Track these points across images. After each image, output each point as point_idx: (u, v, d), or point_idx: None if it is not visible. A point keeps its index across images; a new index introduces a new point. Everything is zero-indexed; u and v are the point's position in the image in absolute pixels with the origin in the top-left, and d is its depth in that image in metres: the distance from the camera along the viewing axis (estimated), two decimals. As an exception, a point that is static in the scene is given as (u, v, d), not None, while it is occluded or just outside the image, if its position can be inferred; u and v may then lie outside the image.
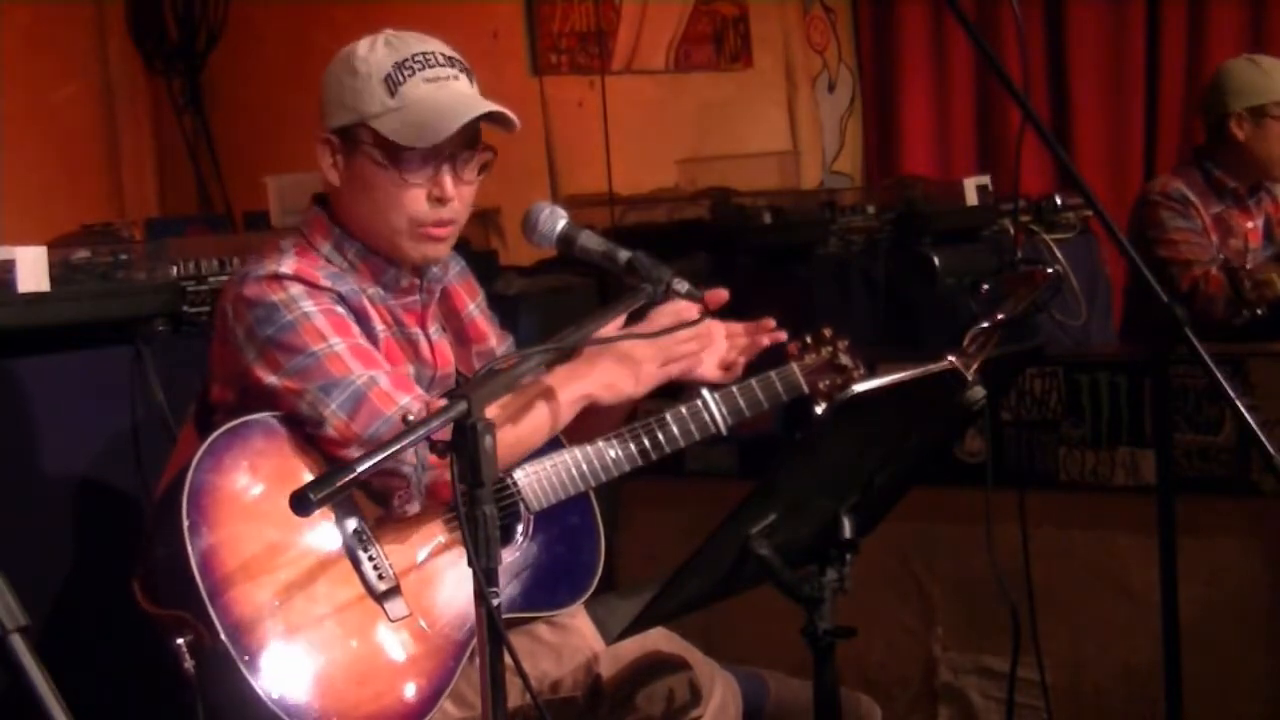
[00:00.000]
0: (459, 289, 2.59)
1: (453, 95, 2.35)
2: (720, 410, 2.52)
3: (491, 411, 2.16)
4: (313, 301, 2.31)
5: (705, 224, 4.86)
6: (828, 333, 2.64)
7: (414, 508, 2.29)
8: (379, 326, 2.39)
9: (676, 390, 2.55)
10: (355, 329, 2.34)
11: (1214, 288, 4.09)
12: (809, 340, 2.63)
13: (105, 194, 4.94)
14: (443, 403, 2.27)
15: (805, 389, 2.60)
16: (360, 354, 2.30)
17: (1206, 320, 4.04)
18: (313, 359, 2.27)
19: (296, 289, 2.31)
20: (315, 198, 2.48)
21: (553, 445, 2.46)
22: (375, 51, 2.35)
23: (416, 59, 2.35)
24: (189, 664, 2.17)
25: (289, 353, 2.28)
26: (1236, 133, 4.23)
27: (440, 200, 2.36)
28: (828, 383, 2.61)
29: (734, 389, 2.55)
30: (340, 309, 2.33)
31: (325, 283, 2.33)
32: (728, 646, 2.71)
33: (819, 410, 2.60)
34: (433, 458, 2.20)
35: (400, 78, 2.33)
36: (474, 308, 2.60)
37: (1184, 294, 4.10)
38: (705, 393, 2.52)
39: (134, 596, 2.28)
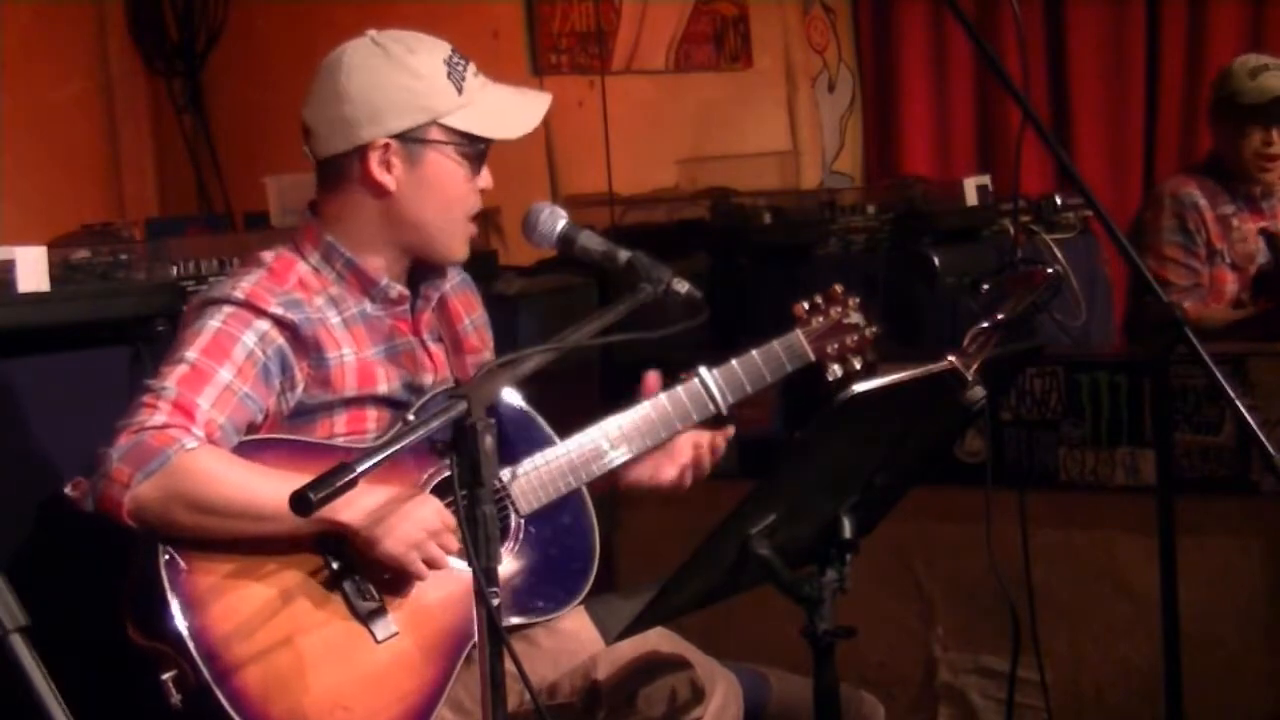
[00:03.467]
0: (457, 302, 2.57)
1: (507, 90, 2.43)
2: (719, 388, 2.46)
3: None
4: (224, 320, 2.30)
5: (705, 224, 4.86)
6: (839, 289, 2.58)
7: (84, 504, 2.24)
8: (334, 354, 2.34)
9: (672, 373, 2.50)
10: (240, 358, 2.29)
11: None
12: (818, 300, 2.55)
13: (105, 194, 4.93)
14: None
15: (812, 356, 2.53)
16: (192, 375, 2.26)
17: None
18: (171, 362, 2.29)
19: (228, 309, 2.30)
20: (310, 206, 2.46)
21: (544, 441, 2.43)
22: (415, 52, 2.36)
23: (456, 57, 2.39)
24: (175, 699, 2.15)
25: (168, 353, 2.31)
26: (1214, 129, 4.27)
27: (483, 193, 2.43)
28: (837, 345, 2.54)
29: (734, 363, 2.48)
30: (250, 339, 2.29)
31: (275, 309, 2.31)
32: (728, 646, 2.71)
33: (831, 375, 2.53)
34: (117, 471, 2.18)
35: (458, 74, 2.36)
36: (469, 323, 2.58)
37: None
38: (703, 370, 2.46)
39: (125, 629, 2.27)
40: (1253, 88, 4.16)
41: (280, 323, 2.32)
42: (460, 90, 2.35)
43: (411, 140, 2.34)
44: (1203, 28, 6.37)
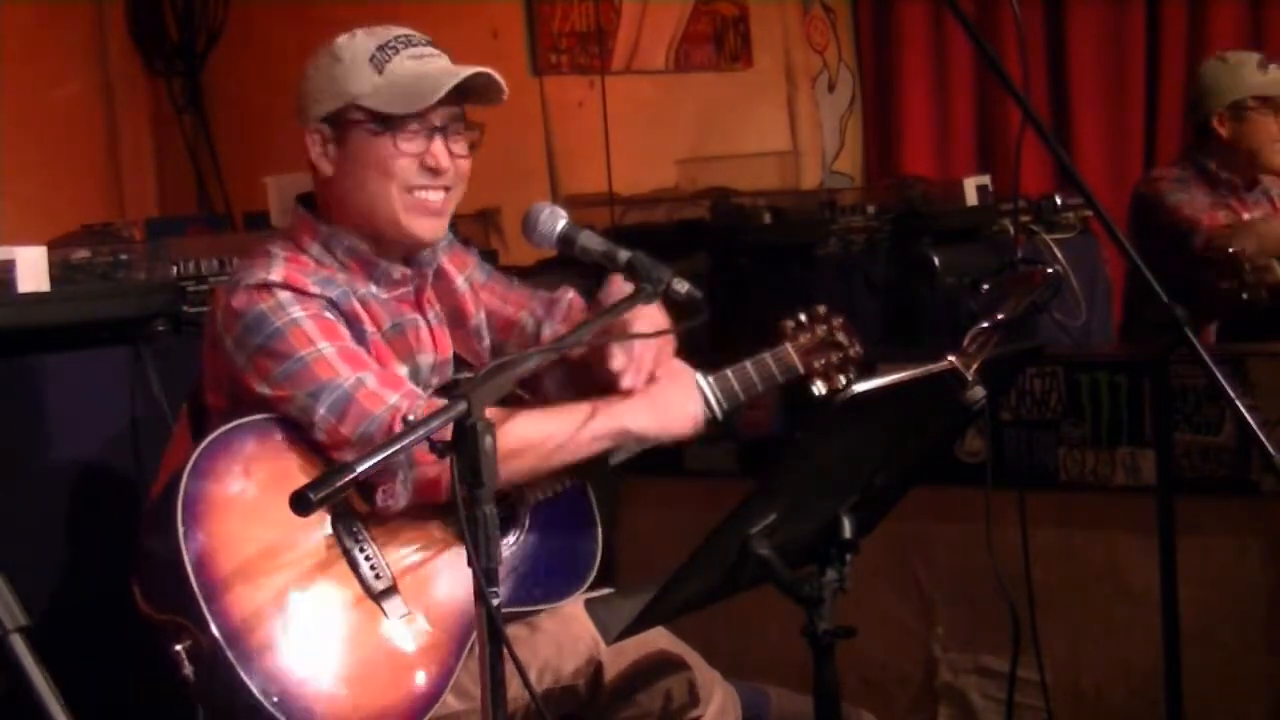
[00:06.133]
0: (449, 266, 2.59)
1: (438, 66, 2.40)
2: (715, 395, 2.52)
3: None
4: (301, 307, 2.32)
5: (705, 224, 4.86)
6: (822, 310, 2.65)
7: (398, 504, 2.28)
8: (369, 329, 2.39)
9: None
10: (345, 333, 2.35)
11: (1227, 228, 4.10)
12: (803, 319, 2.63)
13: (105, 194, 4.93)
14: (435, 399, 2.28)
15: (801, 369, 2.60)
16: (349, 357, 2.31)
17: (1234, 266, 4.05)
18: (300, 364, 2.28)
19: (285, 295, 2.32)
20: (299, 199, 2.49)
21: None
22: (355, 39, 2.40)
23: (399, 39, 2.40)
24: (187, 670, 2.16)
25: (277, 359, 2.29)
26: (1221, 131, 4.25)
27: (434, 170, 2.39)
28: (824, 361, 2.62)
29: (728, 372, 2.55)
30: (329, 314, 2.34)
31: (314, 289, 2.34)
32: (728, 660, 2.71)
33: (816, 390, 2.60)
34: (420, 454, 2.19)
35: (385, 56, 2.38)
36: (462, 281, 2.60)
37: (1200, 252, 4.11)
38: (699, 377, 2.52)
39: (133, 599, 2.28)
40: (1270, 81, 4.18)
41: (327, 300, 2.35)
42: (381, 70, 2.36)
43: (334, 124, 2.39)
44: (1203, 28, 6.37)
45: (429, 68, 2.39)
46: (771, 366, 2.58)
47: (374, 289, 2.44)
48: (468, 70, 2.37)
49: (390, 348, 2.43)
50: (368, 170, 2.38)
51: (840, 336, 2.64)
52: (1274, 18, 6.30)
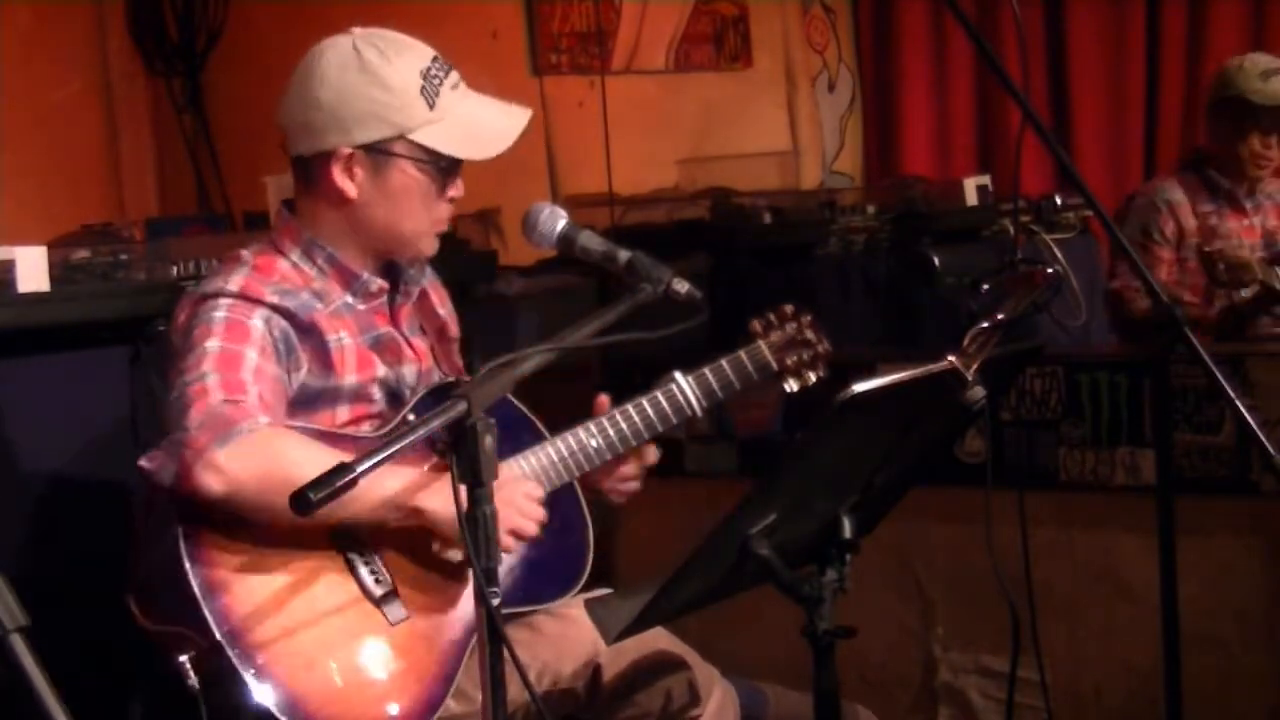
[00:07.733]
0: (431, 291, 2.60)
1: (487, 105, 2.42)
2: (694, 392, 2.53)
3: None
4: (228, 311, 2.29)
5: (705, 224, 4.87)
6: (789, 309, 2.65)
7: (162, 476, 2.18)
8: (333, 337, 2.36)
9: (649, 377, 2.56)
10: (258, 339, 2.28)
11: (1130, 295, 4.13)
12: (772, 318, 2.63)
13: (105, 194, 4.94)
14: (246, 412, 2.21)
15: (775, 366, 2.60)
16: (223, 360, 2.24)
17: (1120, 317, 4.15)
18: (196, 355, 2.25)
19: (224, 301, 2.30)
20: (286, 203, 2.48)
21: (535, 437, 2.47)
22: (391, 62, 2.34)
23: (436, 67, 2.37)
24: (193, 680, 2.15)
25: (183, 351, 2.27)
26: (1210, 126, 4.25)
27: (453, 201, 2.43)
28: (795, 359, 2.62)
29: (706, 370, 2.56)
30: (256, 323, 2.29)
31: (270, 299, 2.32)
32: (726, 660, 2.71)
33: (789, 387, 2.61)
34: (192, 440, 2.15)
35: (433, 88, 2.35)
36: (445, 313, 2.62)
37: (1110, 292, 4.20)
38: (678, 376, 2.53)
39: (131, 614, 2.27)
40: (1263, 89, 4.14)
41: (277, 309, 2.32)
42: (433, 105, 2.34)
43: (376, 152, 2.35)
44: (1203, 27, 6.38)
45: (479, 105, 2.40)
46: (747, 364, 2.57)
47: (350, 299, 2.42)
48: (524, 117, 2.40)
49: (378, 356, 2.42)
50: (402, 205, 2.37)
51: (809, 334, 2.63)
52: (1274, 17, 6.30)
